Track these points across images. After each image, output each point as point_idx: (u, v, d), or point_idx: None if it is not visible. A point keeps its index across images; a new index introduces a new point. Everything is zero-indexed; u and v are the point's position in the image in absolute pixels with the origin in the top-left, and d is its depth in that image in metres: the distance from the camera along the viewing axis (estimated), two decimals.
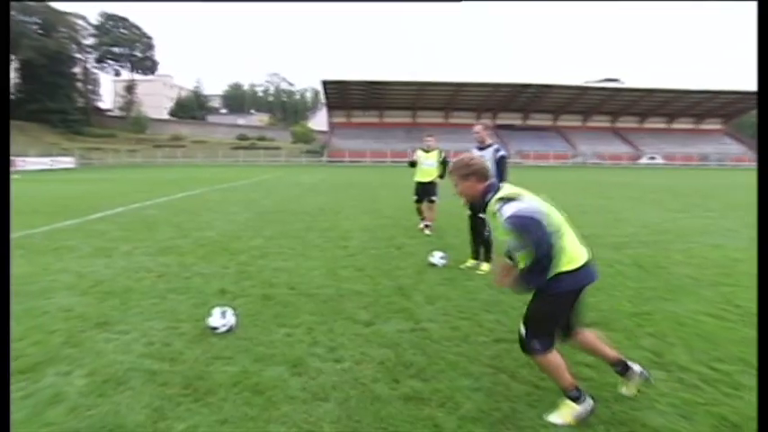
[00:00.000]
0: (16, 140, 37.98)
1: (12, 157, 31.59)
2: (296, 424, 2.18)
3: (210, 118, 75.04)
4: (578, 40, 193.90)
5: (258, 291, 4.07)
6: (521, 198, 2.12)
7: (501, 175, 4.55)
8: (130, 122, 56.30)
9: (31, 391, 2.49)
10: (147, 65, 61.41)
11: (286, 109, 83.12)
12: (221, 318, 3.27)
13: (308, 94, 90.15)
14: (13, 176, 23.44)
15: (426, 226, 7.18)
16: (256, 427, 2.16)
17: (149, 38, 61.02)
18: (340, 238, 6.72)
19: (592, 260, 2.20)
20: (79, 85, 54.49)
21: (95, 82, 60.12)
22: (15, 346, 3.03)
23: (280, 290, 4.26)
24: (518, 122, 63.66)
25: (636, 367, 2.37)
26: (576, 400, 2.15)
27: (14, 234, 6.87)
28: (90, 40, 55.99)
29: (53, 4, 46.90)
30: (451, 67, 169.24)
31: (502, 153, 4.84)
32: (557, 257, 2.02)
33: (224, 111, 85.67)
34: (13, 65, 45.46)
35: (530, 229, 1.98)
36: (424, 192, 7.06)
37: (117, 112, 64.11)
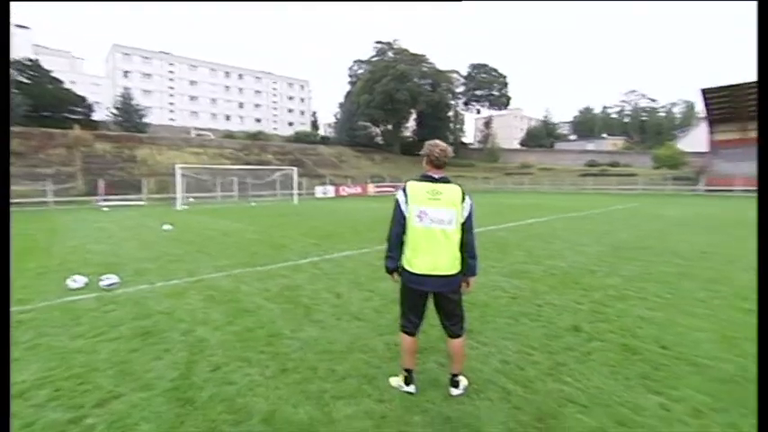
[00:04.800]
0: (409, 170, 51.83)
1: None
2: None
3: (558, 145, 74.80)
4: None
5: (618, 339, 3.58)
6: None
7: None
8: (486, 153, 65.06)
9: (420, 370, 3.11)
10: (501, 101, 69.26)
11: (645, 130, 71.41)
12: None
13: (677, 110, 74.21)
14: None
15: None
16: None
17: (504, 77, 68.77)
18: (737, 297, 4.91)
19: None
20: (451, 125, 68.07)
21: (462, 121, 73.46)
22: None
23: (647, 345, 3.59)
24: None
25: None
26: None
27: None
28: (460, 88, 69.05)
29: (435, 65, 60.99)
30: None
31: None
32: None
33: (573, 137, 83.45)
34: (413, 116, 62.92)
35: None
36: None
37: (476, 145, 76.03)
